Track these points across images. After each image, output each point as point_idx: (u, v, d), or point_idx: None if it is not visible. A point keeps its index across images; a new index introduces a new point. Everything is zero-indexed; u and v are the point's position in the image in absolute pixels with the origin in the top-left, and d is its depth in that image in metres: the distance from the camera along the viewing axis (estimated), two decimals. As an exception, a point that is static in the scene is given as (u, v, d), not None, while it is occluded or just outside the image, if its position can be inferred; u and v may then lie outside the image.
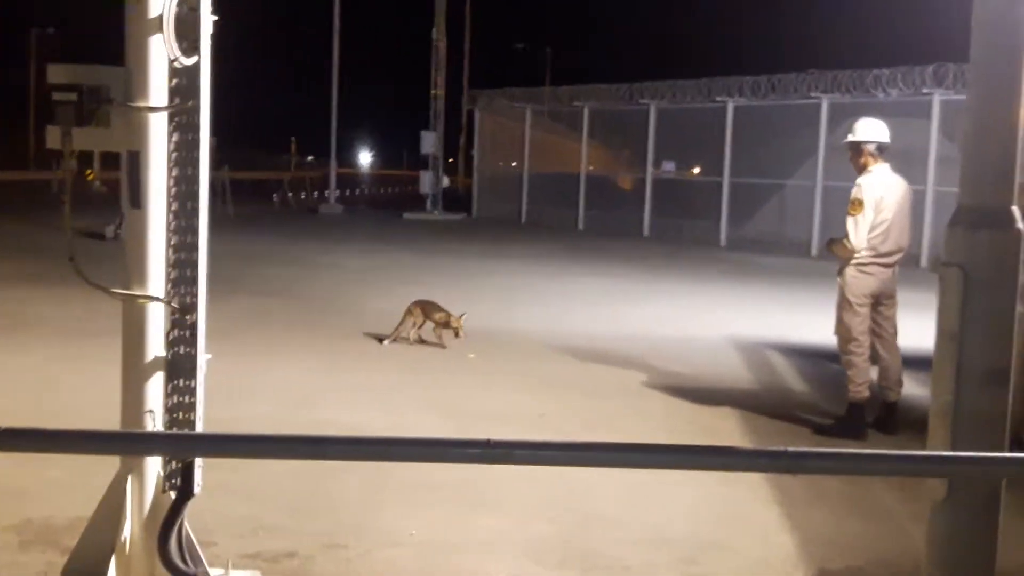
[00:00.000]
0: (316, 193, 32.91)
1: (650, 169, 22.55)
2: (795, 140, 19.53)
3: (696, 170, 23.32)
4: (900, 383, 6.35)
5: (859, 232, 6.09)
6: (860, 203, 6.09)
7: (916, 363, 7.42)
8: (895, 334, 6.37)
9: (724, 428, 6.35)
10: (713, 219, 20.99)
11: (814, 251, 18.31)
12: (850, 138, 6.30)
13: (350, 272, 13.89)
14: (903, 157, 16.69)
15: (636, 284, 13.59)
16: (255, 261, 14.75)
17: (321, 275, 13.53)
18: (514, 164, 26.77)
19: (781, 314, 11.29)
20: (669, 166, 22.56)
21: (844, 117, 16.91)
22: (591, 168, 24.70)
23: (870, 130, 6.23)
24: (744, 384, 7.70)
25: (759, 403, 7.03)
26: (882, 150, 6.24)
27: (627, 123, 23.25)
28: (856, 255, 6.15)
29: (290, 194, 30.42)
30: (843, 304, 6.24)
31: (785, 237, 19.73)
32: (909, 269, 16.01)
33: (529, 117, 25.80)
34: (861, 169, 6.24)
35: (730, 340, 9.45)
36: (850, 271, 6.19)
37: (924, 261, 17.04)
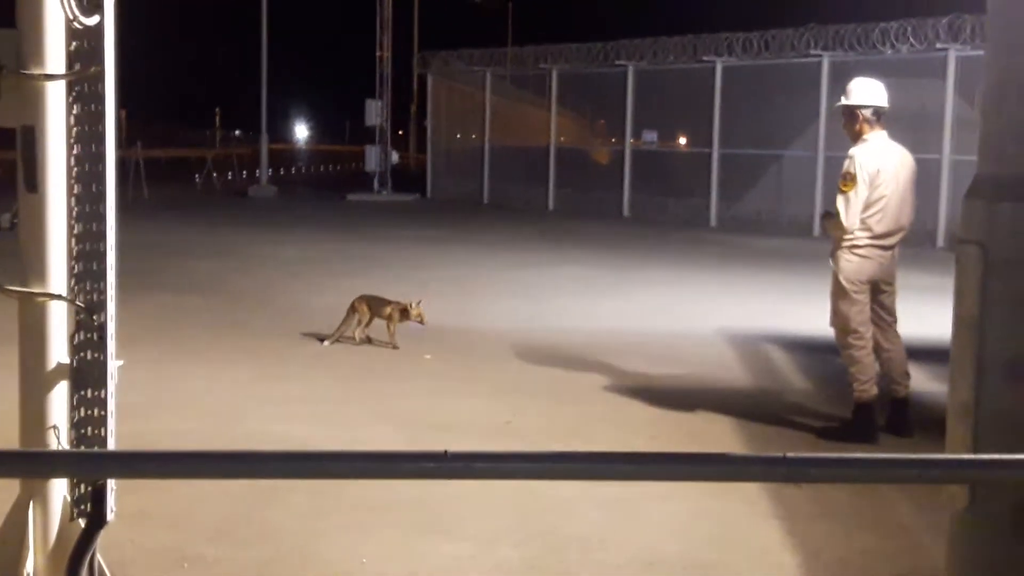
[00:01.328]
0: (245, 173, 32.73)
1: (629, 140, 22.62)
2: (793, 105, 19.69)
3: (682, 141, 23.42)
4: (907, 375, 6.42)
5: (851, 210, 6.12)
6: (852, 177, 6.12)
7: (933, 355, 7.54)
8: (895, 322, 6.43)
9: (716, 434, 6.39)
10: (701, 196, 21.12)
11: (816, 231, 18.47)
12: (843, 101, 6.34)
13: (285, 264, 13.83)
14: (914, 122, 17.01)
15: (615, 272, 13.65)
16: (174, 252, 14.63)
17: (251, 268, 13.45)
18: (473, 136, 26.76)
19: (780, 303, 11.39)
20: (651, 136, 22.66)
21: (848, 77, 17.02)
22: (562, 140, 24.75)
23: (865, 92, 6.27)
24: (738, 383, 7.76)
25: (755, 405, 7.09)
26: (879, 115, 6.27)
27: (602, 88, 23.31)
28: (849, 236, 6.18)
29: (214, 174, 30.22)
30: (838, 291, 6.28)
31: (783, 215, 19.91)
32: (925, 250, 16.50)
33: (489, 82, 25.79)
34: (856, 137, 6.28)
35: (722, 334, 9.52)
36: (843, 254, 6.23)
37: (940, 240, 17.27)
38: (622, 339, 9.24)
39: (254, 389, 7.31)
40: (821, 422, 6.57)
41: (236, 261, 14.01)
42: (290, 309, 10.43)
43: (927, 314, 8.38)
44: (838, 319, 6.31)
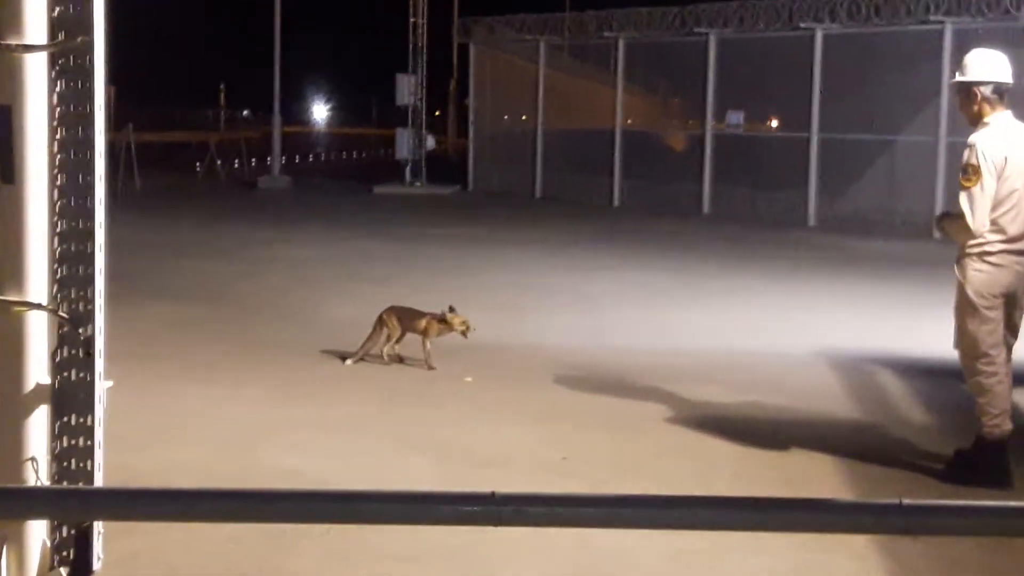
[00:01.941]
0: (254, 160, 33.02)
1: (710, 123, 22.55)
2: (908, 80, 19.51)
3: (773, 124, 23.28)
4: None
5: (978, 209, 6.03)
6: (975, 169, 6.04)
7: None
8: (1014, 343, 6.36)
9: (814, 475, 6.34)
10: (797, 190, 20.99)
11: (937, 232, 18.29)
12: (958, 77, 6.29)
13: (301, 267, 13.93)
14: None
15: (691, 280, 13.59)
16: (172, 253, 14.78)
17: (261, 271, 13.56)
18: (524, 118, 26.82)
19: (892, 319, 11.28)
20: (736, 118, 22.55)
21: (975, 47, 16.83)
22: (629, 122, 24.73)
23: (985, 66, 6.21)
24: (841, 415, 7.70)
25: (862, 441, 7.02)
26: (1002, 93, 6.21)
27: (678, 60, 23.27)
28: (978, 241, 6.10)
29: (219, 162, 30.54)
30: (964, 307, 6.21)
31: (896, 214, 19.73)
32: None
33: (544, 53, 25.84)
34: (975, 120, 6.23)
35: (822, 355, 9.44)
36: (972, 263, 6.16)
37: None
38: (700, 360, 9.20)
39: (265, 416, 7.36)
40: (943, 463, 6.50)
41: (244, 264, 14.13)
42: (306, 321, 10.50)
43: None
44: (965, 340, 6.23)
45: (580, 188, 24.49)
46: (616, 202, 23.89)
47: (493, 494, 2.00)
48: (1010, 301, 6.23)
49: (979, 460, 6.26)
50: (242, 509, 2.37)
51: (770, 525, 2.13)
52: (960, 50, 18.35)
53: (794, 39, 21.04)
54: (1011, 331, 6.32)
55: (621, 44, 24.28)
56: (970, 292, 6.16)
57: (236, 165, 32.62)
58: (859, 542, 5.14)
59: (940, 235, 6.69)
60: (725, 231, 19.22)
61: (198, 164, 30.65)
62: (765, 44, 21.59)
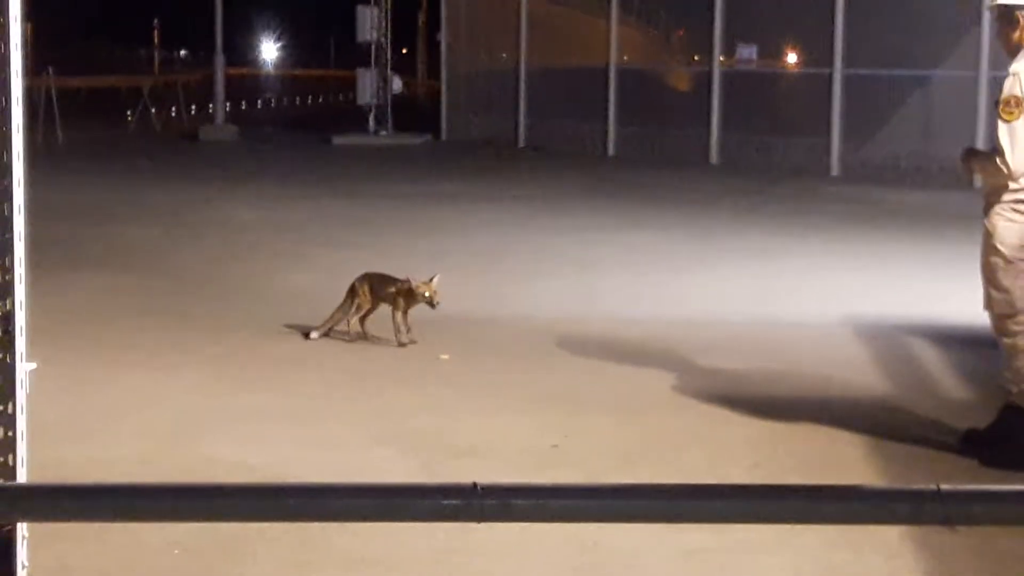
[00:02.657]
0: (194, 108, 32.86)
1: (718, 58, 22.52)
2: (944, 6, 19.50)
3: (791, 58, 23.25)
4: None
5: (1018, 147, 6.07)
6: (1018, 101, 6.07)
7: None
8: None
9: (840, 459, 6.37)
10: (819, 135, 21.00)
11: (978, 181, 18.34)
12: (999, 0, 6.32)
13: (250, 232, 13.92)
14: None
15: (699, 240, 13.62)
16: (102, 217, 14.74)
17: (205, 236, 13.54)
18: (504, 56, 26.74)
19: (927, 281, 11.32)
20: (748, 52, 22.52)
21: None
22: (625, 59, 24.67)
23: None
24: (870, 391, 7.74)
25: (894, 420, 7.06)
26: None
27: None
28: (1015, 186, 6.15)
29: (153, 110, 30.41)
30: (994, 263, 6.27)
31: (932, 160, 19.73)
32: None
33: (526, -19, 25.75)
34: (1015, 51, 6.27)
35: (847, 323, 9.48)
36: (1004, 212, 6.21)
37: None
38: (709, 332, 9.22)
39: (212, 401, 7.35)
40: (977, 446, 6.54)
41: (184, 228, 14.09)
42: (256, 293, 10.48)
43: None
44: (998, 298, 6.29)
45: (570, 136, 24.46)
46: (611, 151, 23.86)
47: (475, 486, 2.01)
48: None
49: (1010, 434, 6.31)
50: (187, 507, 2.37)
51: (791, 516, 2.15)
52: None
53: (814, -40, 21.01)
54: None
55: (616, -31, 24.21)
56: (1001, 246, 6.22)
57: (173, 114, 32.47)
58: (892, 538, 5.17)
59: (966, 174, 6.69)
60: (736, 183, 19.23)
61: (129, 113, 30.50)
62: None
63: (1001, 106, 6.13)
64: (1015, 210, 6.19)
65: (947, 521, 2.05)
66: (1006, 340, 6.33)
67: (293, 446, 6.51)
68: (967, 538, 5.12)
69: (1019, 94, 6.08)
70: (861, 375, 8.13)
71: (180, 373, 7.95)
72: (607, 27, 24.38)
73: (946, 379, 8.12)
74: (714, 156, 22.39)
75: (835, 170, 20.76)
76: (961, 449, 6.45)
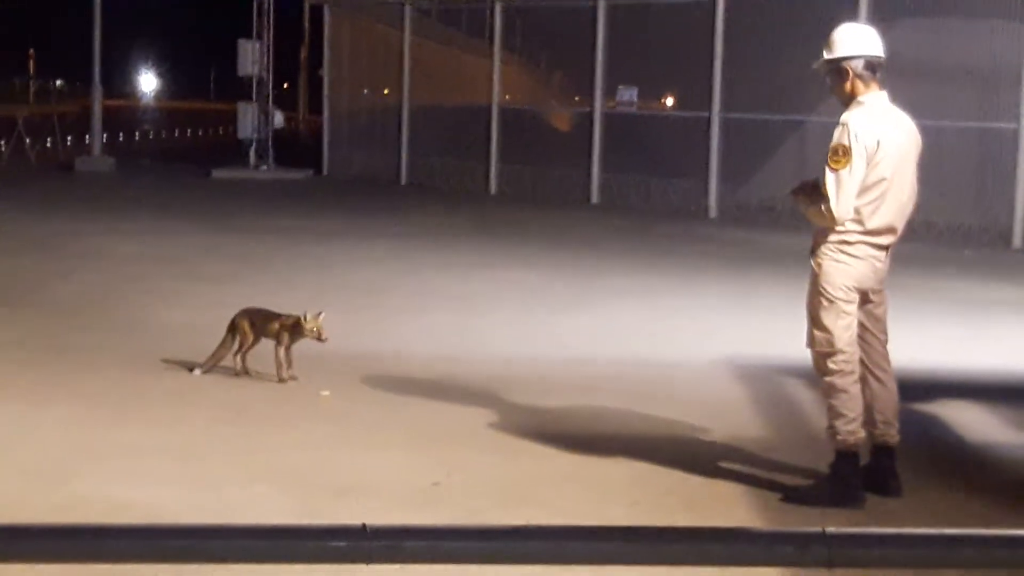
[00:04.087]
0: (70, 139, 32.39)
1: (599, 100, 22.71)
2: (819, 56, 19.81)
3: (670, 102, 23.52)
4: (897, 415, 6.60)
5: (843, 194, 6.23)
6: (846, 151, 6.24)
7: (1015, 393, 7.61)
8: (887, 340, 6.61)
9: (718, 499, 6.44)
10: (697, 177, 21.22)
11: (793, 204, 18.65)
12: (826, 55, 6.53)
13: (127, 265, 13.73)
14: (978, 78, 17.18)
15: (578, 279, 13.69)
16: (-27, 247, 14.44)
17: (79, 269, 13.32)
18: (387, 92, 26.73)
19: (800, 322, 11.45)
20: (629, 95, 22.76)
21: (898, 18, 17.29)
22: (507, 99, 24.79)
23: (854, 41, 6.48)
24: (748, 432, 7.81)
25: (772, 462, 7.13)
26: (875, 69, 6.46)
27: (563, 28, 23.40)
28: (839, 229, 6.30)
29: (27, 140, 29.92)
30: (817, 301, 6.41)
31: (806, 204, 20.05)
32: (997, 253, 16.70)
33: (409, 18, 25.79)
34: (848, 100, 6.46)
35: (725, 364, 9.57)
36: (830, 253, 6.36)
37: (1017, 239, 17.54)
38: (589, 370, 9.26)
39: (86, 437, 7.23)
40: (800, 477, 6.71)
41: (57, 260, 13.86)
42: (133, 326, 10.36)
43: (1004, 336, 8.52)
44: (821, 338, 6.41)
45: (452, 173, 24.50)
46: (493, 189, 23.93)
47: (364, 527, 1.98)
48: (864, 297, 6.44)
49: (832, 474, 6.44)
50: (58, 548, 2.31)
51: (678, 559, 2.15)
52: (880, 19, 18.86)
53: (693, 5, 21.29)
54: (880, 327, 6.57)
55: (498, 9, 24.33)
56: (826, 284, 6.35)
57: (49, 144, 31.98)
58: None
59: (795, 207, 6.87)
60: (616, 223, 19.39)
61: (3, 143, 29.99)
62: (661, 10, 21.80)
63: (829, 154, 6.30)
64: (841, 251, 6.35)
65: (831, 564, 2.07)
66: (825, 379, 6.47)
67: (170, 483, 6.42)
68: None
69: (846, 143, 6.26)
70: (739, 415, 8.20)
71: (50, 409, 7.79)
72: (490, 67, 24.50)
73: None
74: (595, 196, 22.54)
75: (713, 212, 21.01)
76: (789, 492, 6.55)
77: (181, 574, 4.87)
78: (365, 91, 27.85)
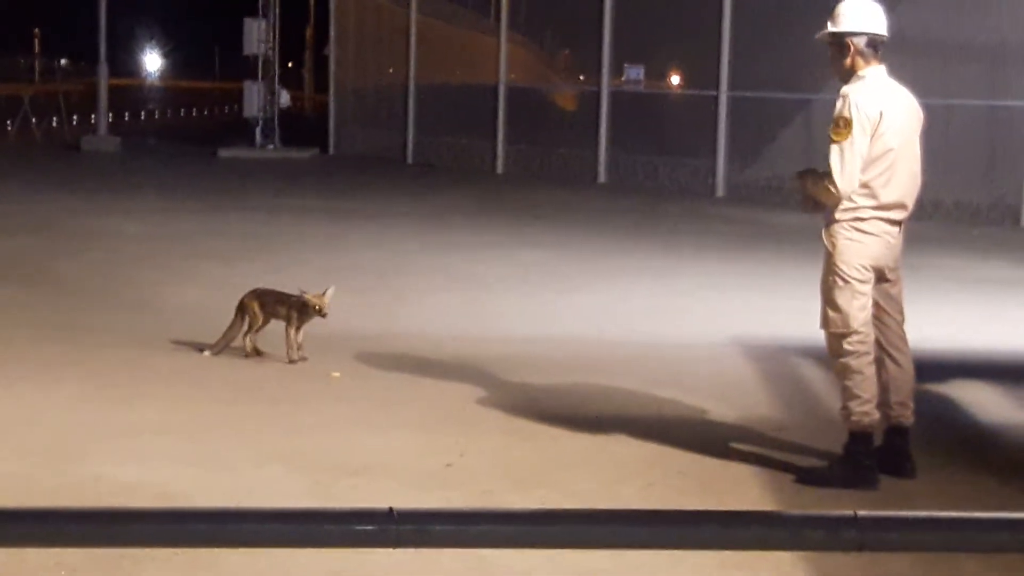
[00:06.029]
0: (75, 118, 32.37)
1: (606, 79, 22.65)
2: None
3: (676, 80, 23.47)
4: (912, 396, 6.57)
5: (847, 167, 6.19)
6: (847, 122, 6.21)
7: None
8: (904, 321, 6.57)
9: (733, 481, 6.42)
10: (705, 156, 21.18)
11: (797, 191, 18.63)
12: (830, 28, 6.50)
13: (135, 244, 13.72)
14: (984, 57, 17.13)
15: (586, 258, 13.66)
16: (-21, 227, 14.45)
17: (86, 248, 13.32)
18: (392, 71, 26.66)
19: (810, 301, 11.42)
20: (635, 73, 22.70)
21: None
22: (514, 78, 24.73)
23: (860, 16, 6.43)
24: (759, 412, 7.80)
25: (783, 442, 7.12)
26: (876, 47, 6.43)
27: (569, 6, 23.33)
28: (848, 205, 6.26)
29: (33, 120, 29.91)
30: (832, 280, 6.37)
31: (815, 183, 20.02)
32: (1005, 230, 16.67)
33: (416, -3, 25.73)
34: (846, 76, 6.44)
35: (735, 343, 9.55)
36: (841, 231, 6.32)
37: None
38: (599, 351, 9.25)
39: (95, 417, 7.22)
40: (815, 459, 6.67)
41: (65, 239, 13.86)
42: (142, 306, 10.34)
43: (1014, 317, 8.49)
44: (834, 318, 6.37)
45: (458, 152, 24.44)
46: (500, 169, 23.89)
47: (391, 511, 1.96)
48: (880, 275, 6.40)
49: (845, 455, 6.42)
50: (68, 531, 2.29)
51: (709, 542, 2.13)
52: None
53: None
54: (896, 307, 6.53)
55: (504, -12, 24.27)
56: (840, 263, 6.31)
57: (54, 123, 31.97)
58: (783, 558, 5.21)
59: (801, 197, 6.77)
60: (623, 202, 19.35)
61: (9, 122, 29.98)
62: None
63: (831, 127, 6.26)
64: (855, 228, 6.31)
65: (863, 547, 2.05)
66: (840, 360, 6.42)
67: (180, 464, 6.41)
68: (858, 559, 5.15)
69: (848, 115, 6.23)
70: (750, 395, 8.19)
71: (62, 387, 7.79)
72: (496, 45, 24.43)
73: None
74: (602, 175, 22.49)
75: (720, 191, 20.95)
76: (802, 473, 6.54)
77: (197, 557, 4.92)
78: (371, 70, 27.76)
